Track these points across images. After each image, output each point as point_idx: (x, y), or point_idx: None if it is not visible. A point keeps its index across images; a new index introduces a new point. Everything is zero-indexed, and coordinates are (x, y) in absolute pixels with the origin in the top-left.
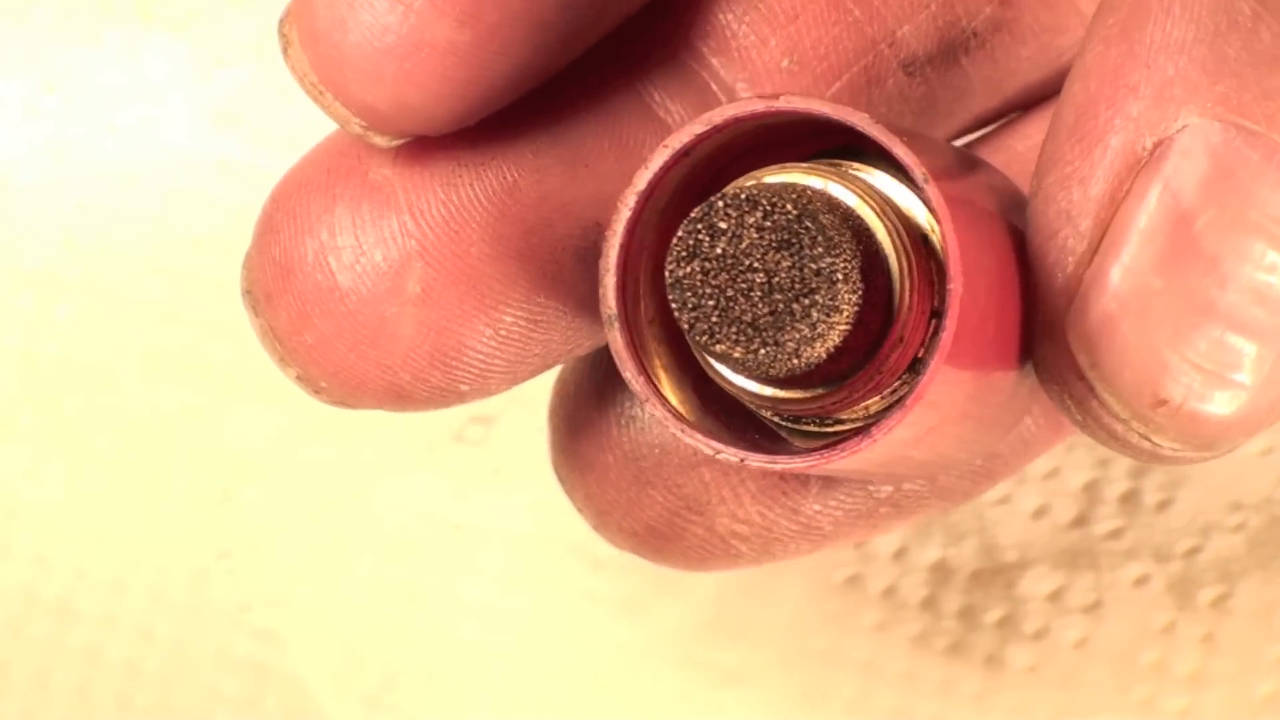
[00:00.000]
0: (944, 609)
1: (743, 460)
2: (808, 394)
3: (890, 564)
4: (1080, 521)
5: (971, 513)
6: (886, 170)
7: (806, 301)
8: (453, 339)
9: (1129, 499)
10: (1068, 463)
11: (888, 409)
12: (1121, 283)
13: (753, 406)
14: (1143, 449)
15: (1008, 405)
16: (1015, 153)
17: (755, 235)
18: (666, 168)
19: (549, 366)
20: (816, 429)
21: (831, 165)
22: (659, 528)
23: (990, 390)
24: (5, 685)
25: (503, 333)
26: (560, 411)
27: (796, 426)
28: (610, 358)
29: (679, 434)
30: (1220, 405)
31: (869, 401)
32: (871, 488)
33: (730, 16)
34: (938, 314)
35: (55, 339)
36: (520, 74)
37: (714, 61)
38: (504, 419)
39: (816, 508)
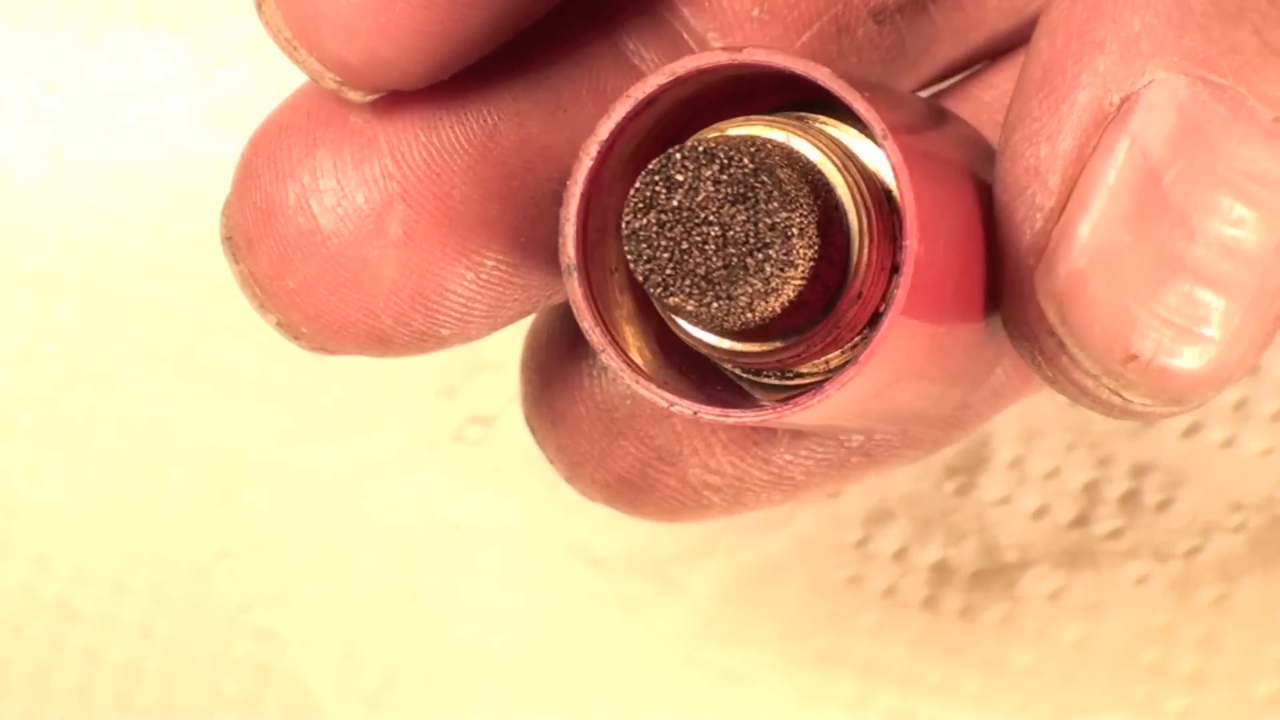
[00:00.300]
0: (944, 609)
1: (695, 413)
2: (765, 347)
3: (890, 564)
4: (1080, 521)
5: (972, 513)
6: (851, 124)
7: (760, 256)
8: (434, 281)
9: (1129, 499)
10: (1068, 463)
11: (847, 363)
12: (1090, 238)
13: (713, 359)
14: (1113, 404)
15: (974, 358)
16: (982, 103)
17: (711, 188)
18: (629, 118)
19: (528, 312)
20: (777, 381)
21: (797, 118)
22: (631, 479)
23: (953, 344)
24: (5, 685)
25: (484, 276)
26: (532, 363)
27: (757, 379)
28: None
29: (633, 385)
30: (1189, 359)
31: (829, 355)
32: (842, 437)
33: None
34: (898, 269)
35: (55, 339)
36: (494, 26)
37: (685, 10)
38: (504, 419)
39: (788, 457)
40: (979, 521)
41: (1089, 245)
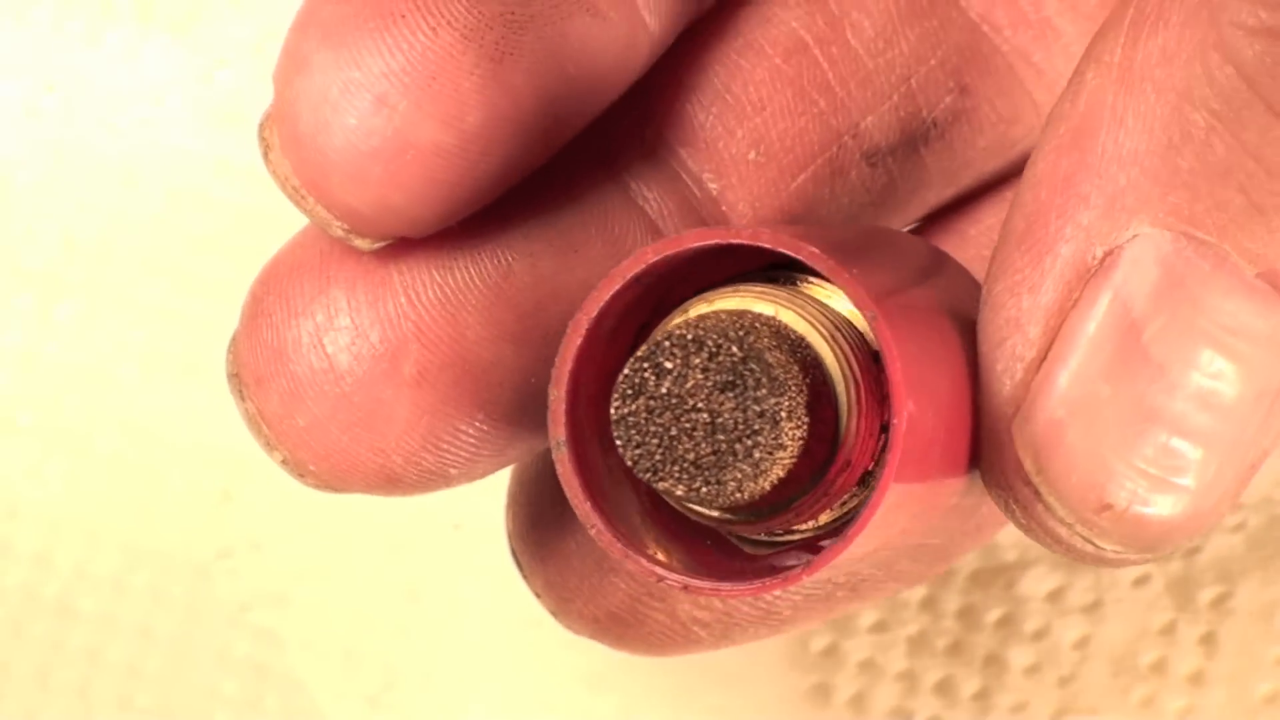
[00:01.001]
0: (944, 609)
1: (685, 587)
2: (754, 518)
3: None
4: None
5: None
6: (839, 285)
7: (749, 442)
8: (447, 422)
9: None
10: None
11: (838, 520)
12: (1069, 389)
13: (702, 522)
14: (1086, 552)
15: (959, 506)
16: (968, 237)
17: (700, 376)
18: (619, 294)
19: (535, 452)
20: (768, 538)
21: (787, 284)
22: (621, 614)
23: (941, 497)
24: (5, 685)
25: (495, 417)
26: (520, 498)
27: (747, 537)
28: None
29: (623, 561)
30: (1164, 508)
31: (820, 515)
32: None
33: (697, 107)
34: (886, 430)
35: (55, 339)
36: (503, 172)
37: (682, 152)
38: None
39: (776, 593)
40: None
41: (1068, 396)
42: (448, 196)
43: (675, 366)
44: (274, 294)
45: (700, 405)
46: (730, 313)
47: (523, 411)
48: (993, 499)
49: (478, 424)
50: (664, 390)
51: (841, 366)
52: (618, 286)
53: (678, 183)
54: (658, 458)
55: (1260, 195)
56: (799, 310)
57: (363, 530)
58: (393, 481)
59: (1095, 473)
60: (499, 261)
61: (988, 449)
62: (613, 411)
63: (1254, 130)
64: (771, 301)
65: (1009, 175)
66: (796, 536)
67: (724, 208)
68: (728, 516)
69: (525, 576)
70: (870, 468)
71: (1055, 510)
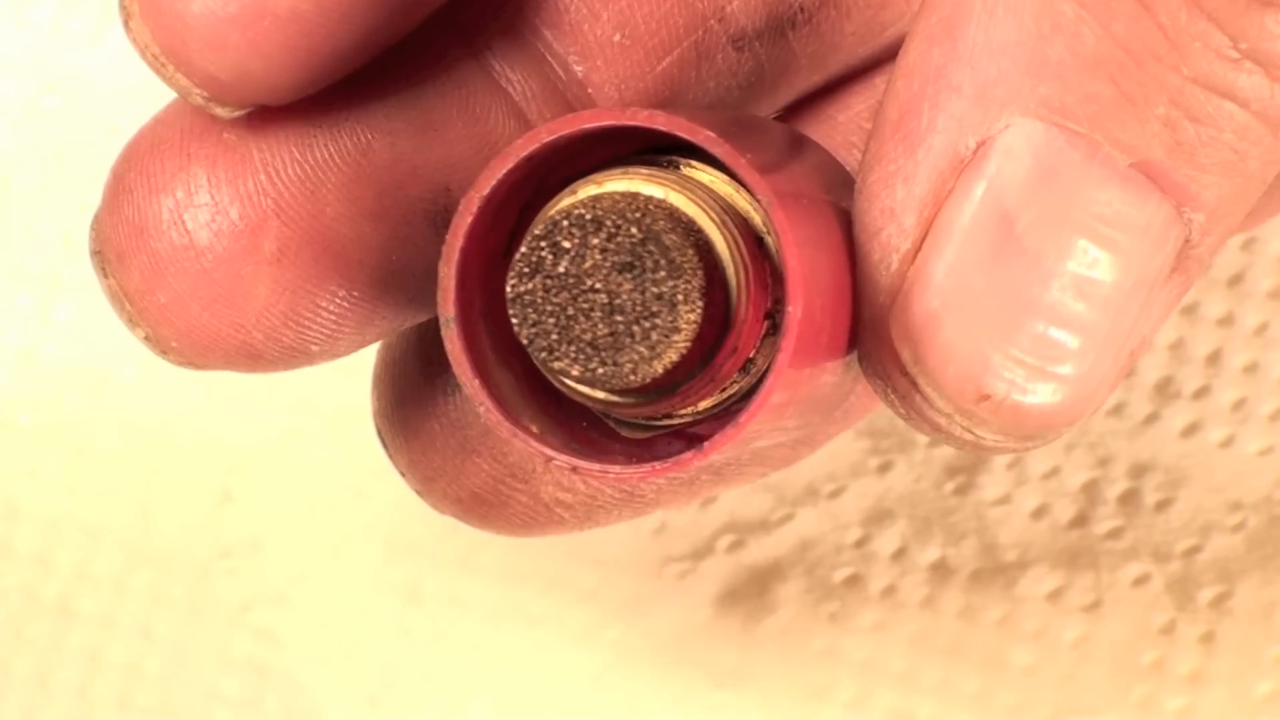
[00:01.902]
0: (944, 609)
1: (575, 468)
2: (642, 401)
3: (889, 564)
4: (1080, 521)
5: (971, 513)
6: (723, 169)
7: (647, 324)
8: (307, 298)
9: (1129, 499)
10: (1067, 462)
11: (718, 405)
12: (945, 280)
13: (586, 404)
14: (965, 440)
15: (835, 391)
16: (836, 123)
17: (599, 256)
18: (511, 173)
19: (396, 330)
20: (645, 422)
21: (670, 167)
22: (484, 495)
23: (821, 383)
24: (5, 685)
25: (355, 293)
26: (385, 378)
27: (626, 420)
28: (435, 324)
29: (512, 438)
30: (1042, 397)
31: (702, 401)
32: None
33: None
34: (771, 315)
35: (55, 339)
36: (362, 42)
37: (547, 34)
38: None
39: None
40: (978, 521)
41: (943, 287)
42: (306, 63)
43: (573, 246)
44: (135, 170)
45: (598, 286)
46: (624, 194)
47: (383, 289)
48: (871, 387)
49: (338, 300)
50: (561, 270)
51: (731, 251)
52: (511, 164)
53: (543, 65)
54: (554, 337)
55: (1130, 86)
56: (688, 194)
57: (363, 530)
58: (253, 357)
59: (972, 363)
60: (358, 139)
61: (865, 338)
62: (509, 289)
63: (1123, 21)
64: (661, 184)
65: (878, 61)
66: (675, 422)
67: (590, 90)
68: (614, 399)
69: (390, 455)
70: (752, 354)
71: (933, 401)
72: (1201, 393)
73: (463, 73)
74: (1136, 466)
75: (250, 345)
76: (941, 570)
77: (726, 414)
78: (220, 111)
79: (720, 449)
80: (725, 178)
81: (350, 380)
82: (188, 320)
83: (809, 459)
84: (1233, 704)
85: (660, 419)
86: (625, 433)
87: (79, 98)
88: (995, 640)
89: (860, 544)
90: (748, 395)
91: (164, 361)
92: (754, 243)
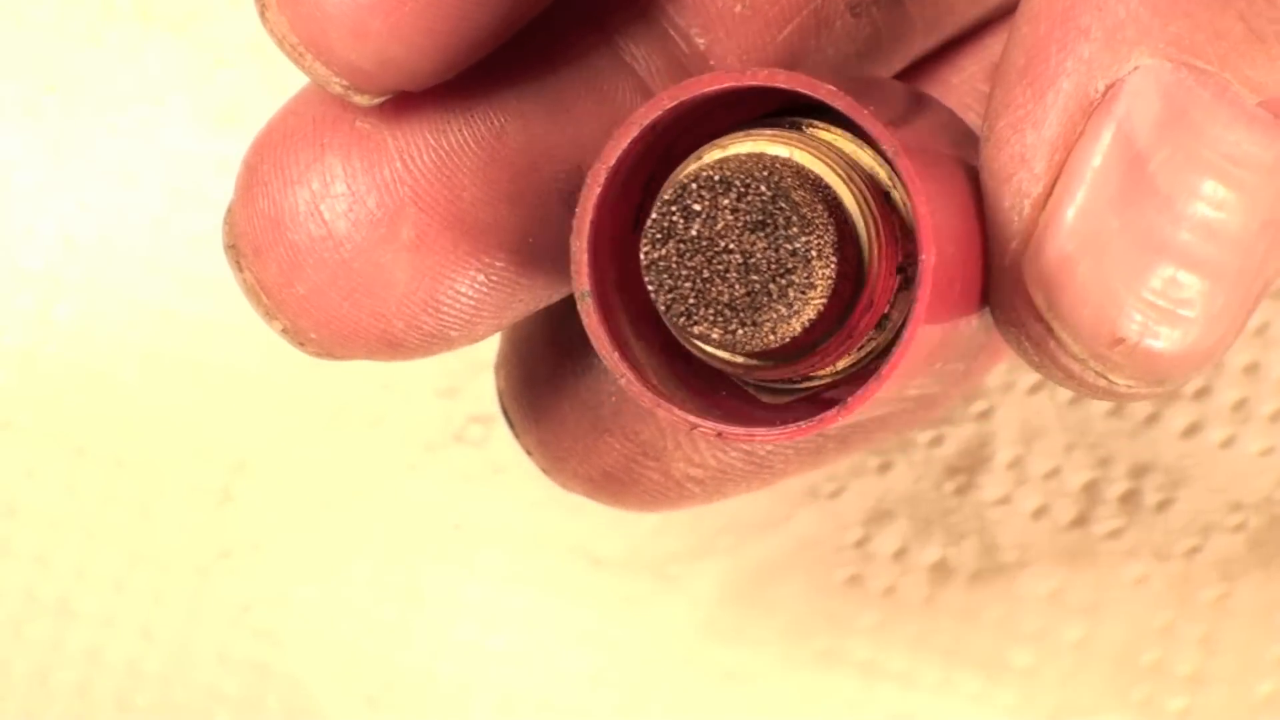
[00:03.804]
0: (944, 609)
1: (720, 434)
2: (780, 362)
3: (890, 563)
4: (1080, 521)
5: (971, 513)
6: (845, 127)
7: (783, 281)
8: (446, 284)
9: (1128, 499)
10: (1067, 463)
11: (855, 365)
12: (1077, 223)
13: (724, 371)
14: (1099, 386)
15: (969, 345)
16: (950, 85)
17: (730, 217)
18: (636, 141)
19: (531, 311)
20: (785, 385)
21: (794, 128)
22: (615, 473)
23: (956, 338)
24: (5, 685)
25: (494, 277)
26: (513, 358)
27: (765, 384)
28: (564, 305)
29: (655, 409)
30: (1173, 341)
31: (840, 360)
32: None
33: None
34: (903, 270)
35: (55, 339)
36: (497, 24)
37: (670, 8)
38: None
39: (769, 448)
40: (979, 521)
41: (1076, 230)
42: (446, 46)
43: (704, 209)
44: (268, 162)
45: (731, 246)
46: (749, 155)
47: (521, 270)
48: (1004, 337)
49: (477, 284)
50: (694, 233)
51: (860, 205)
52: (635, 133)
53: (666, 40)
54: (691, 301)
55: (1260, 23)
56: (813, 151)
57: (363, 530)
58: (394, 345)
59: (1106, 306)
60: (492, 123)
61: (998, 287)
62: (643, 257)
63: None
64: (785, 144)
65: (989, 22)
66: (816, 383)
67: (712, 63)
68: (752, 362)
69: (517, 435)
70: (886, 310)
71: (1068, 346)
72: (1202, 393)
73: (589, 51)
74: (1137, 467)
75: (391, 334)
76: (941, 570)
77: (863, 373)
78: (360, 99)
79: (864, 404)
80: (849, 135)
81: (350, 380)
82: (327, 311)
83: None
84: (1233, 704)
85: (799, 381)
86: (765, 398)
87: (79, 98)
88: (995, 640)
89: (860, 544)
90: (884, 353)
91: (301, 353)
92: (881, 198)
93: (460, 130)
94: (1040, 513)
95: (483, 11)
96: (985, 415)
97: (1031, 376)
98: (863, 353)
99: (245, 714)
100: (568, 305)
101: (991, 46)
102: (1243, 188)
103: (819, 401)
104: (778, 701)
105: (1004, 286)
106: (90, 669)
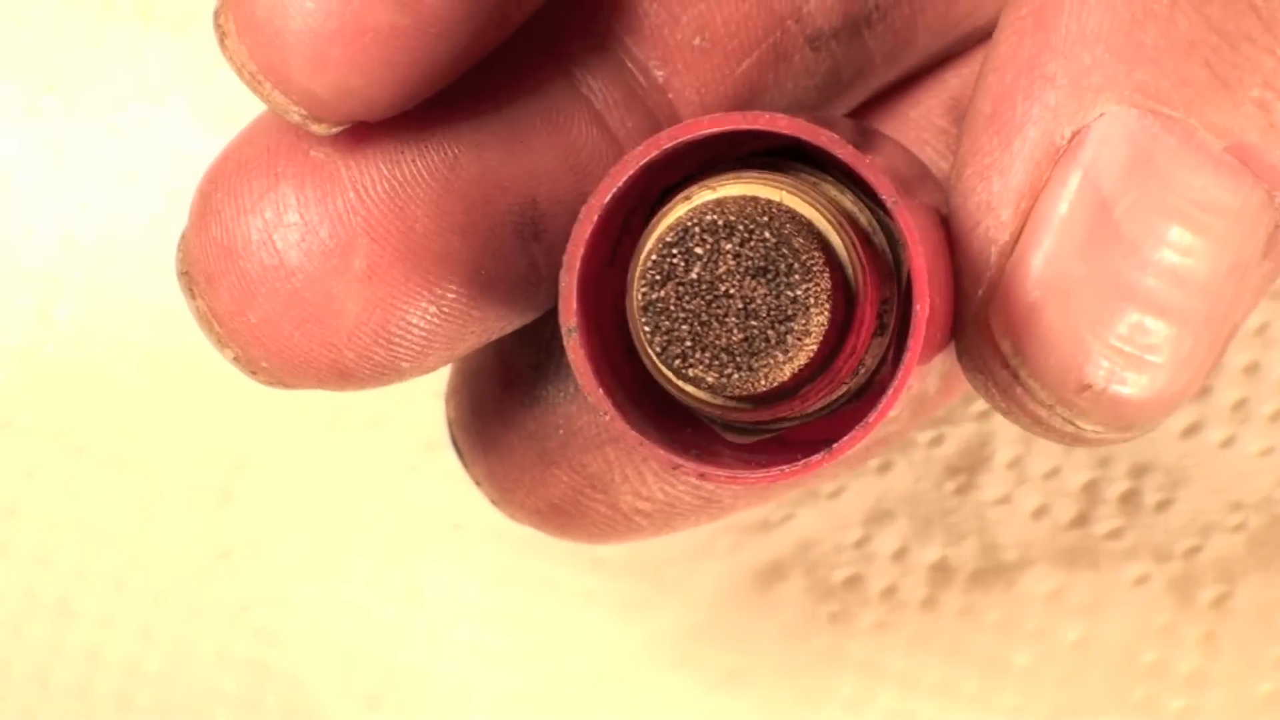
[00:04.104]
0: (944, 609)
1: (702, 475)
2: (760, 405)
3: (890, 564)
4: (1080, 521)
5: (971, 513)
6: (830, 172)
7: (782, 328)
8: (397, 315)
9: (1129, 499)
10: (1067, 463)
11: (826, 408)
12: (1044, 270)
13: (698, 411)
14: (1066, 432)
15: (932, 388)
16: (909, 119)
17: (732, 261)
18: (629, 180)
19: (483, 343)
20: (752, 425)
21: (785, 173)
22: (563, 506)
23: (926, 381)
24: (5, 684)
25: (445, 309)
26: (462, 389)
27: (732, 423)
28: (513, 338)
29: (638, 447)
30: (1140, 387)
31: (814, 404)
32: None
33: None
34: (880, 316)
35: (55, 339)
36: (456, 56)
37: (627, 40)
38: None
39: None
40: (979, 521)
41: (1043, 277)
42: (405, 78)
43: (705, 252)
44: (222, 191)
45: (732, 291)
46: (747, 198)
47: (473, 302)
48: (970, 383)
49: (429, 317)
50: (694, 275)
51: (849, 254)
52: (633, 171)
53: (623, 72)
54: (687, 344)
55: (1224, 69)
56: (802, 195)
57: (363, 530)
58: (344, 376)
59: (1074, 353)
60: (446, 154)
61: (963, 334)
62: (639, 297)
63: (1216, 4)
64: (775, 187)
65: (950, 56)
66: (783, 424)
67: (670, 95)
68: (732, 404)
69: (466, 465)
70: (864, 355)
71: (1035, 392)
72: (1202, 393)
73: (546, 83)
74: (1137, 466)
75: (341, 364)
76: (942, 570)
77: (833, 415)
78: (317, 129)
79: (851, 449)
80: (831, 178)
81: None
82: (279, 341)
83: None
84: (1234, 704)
85: (768, 423)
86: (731, 437)
87: (79, 98)
88: (995, 640)
89: (860, 544)
90: (856, 395)
91: (255, 380)
92: (865, 242)
93: (414, 161)
94: (1040, 513)
95: (442, 44)
96: (985, 415)
97: None
98: (835, 396)
99: (245, 714)
100: (517, 338)
101: (949, 81)
102: (1209, 233)
103: (786, 442)
104: (777, 702)
105: (970, 334)
106: (90, 669)
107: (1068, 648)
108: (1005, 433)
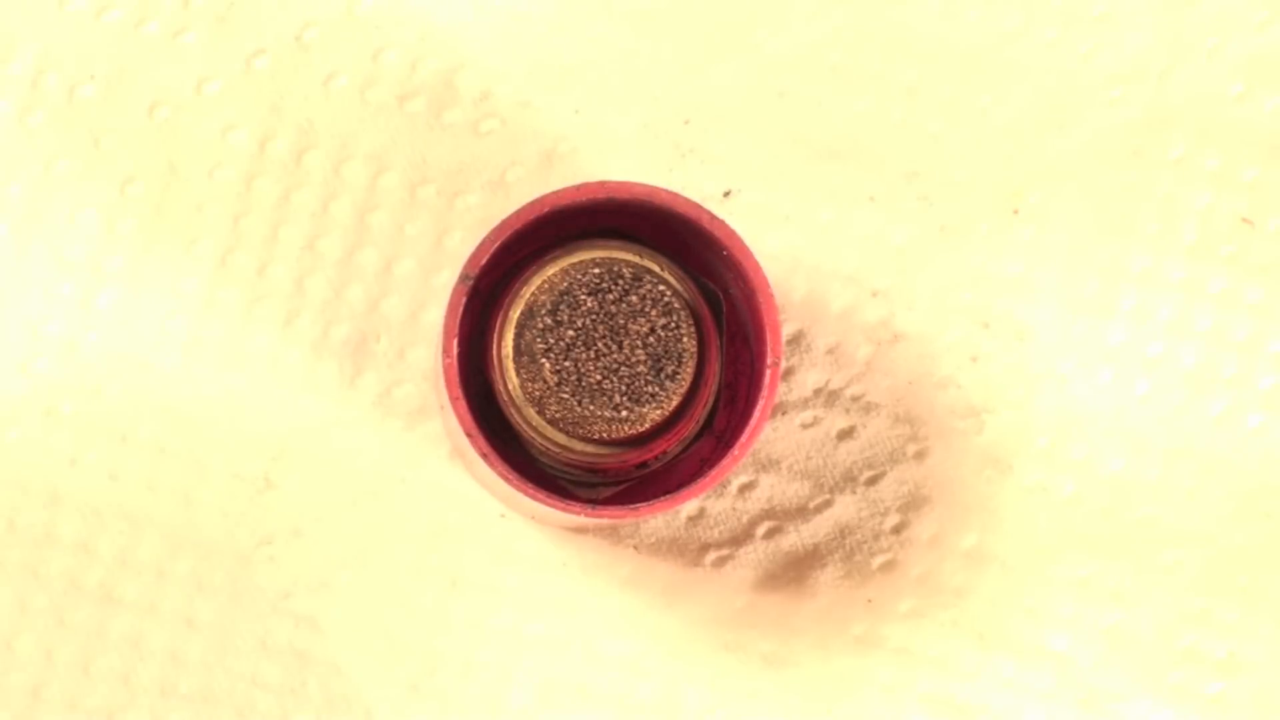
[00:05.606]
0: (979, 595)
1: (592, 513)
2: (624, 449)
3: (927, 550)
4: (1112, 508)
5: (1008, 499)
6: (654, 247)
7: (666, 373)
8: None
9: (1163, 485)
10: (1103, 449)
11: (667, 456)
12: None
13: (552, 456)
14: None
15: None
16: None
17: (625, 308)
18: (496, 253)
19: None
20: (587, 478)
21: (627, 245)
22: None
23: None
24: (48, 671)
25: None
26: None
27: (576, 478)
28: None
29: (520, 492)
30: None
31: (662, 450)
32: None
33: None
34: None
35: (97, 327)
36: None
37: None
38: None
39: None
40: (1014, 508)
41: None
42: None
43: (597, 303)
44: None
45: (621, 338)
46: (618, 259)
47: None
48: None
49: None
50: (587, 322)
51: (704, 310)
52: (503, 239)
53: None
54: (577, 384)
55: None
56: (654, 261)
57: (404, 517)
58: None
59: None
60: None
61: None
62: (538, 342)
63: None
64: (635, 255)
65: None
66: (622, 480)
67: None
68: (600, 451)
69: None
70: (708, 403)
71: None
72: (1237, 379)
73: None
74: (1171, 453)
75: None
76: (977, 556)
77: (663, 467)
78: None
79: (711, 485)
80: (665, 259)
81: (392, 368)
82: None
83: (849, 446)
84: (1269, 689)
85: (611, 472)
86: (582, 493)
87: (120, 85)
88: (1031, 625)
89: (898, 530)
90: (693, 443)
91: (342, 343)
92: (708, 302)
93: None
94: (1075, 499)
95: None
96: (1022, 403)
97: (1071, 364)
98: (679, 444)
99: (286, 700)
100: None
101: None
102: None
103: (627, 490)
104: (815, 686)
105: None
106: (132, 656)
107: (1102, 632)
108: (1041, 420)
